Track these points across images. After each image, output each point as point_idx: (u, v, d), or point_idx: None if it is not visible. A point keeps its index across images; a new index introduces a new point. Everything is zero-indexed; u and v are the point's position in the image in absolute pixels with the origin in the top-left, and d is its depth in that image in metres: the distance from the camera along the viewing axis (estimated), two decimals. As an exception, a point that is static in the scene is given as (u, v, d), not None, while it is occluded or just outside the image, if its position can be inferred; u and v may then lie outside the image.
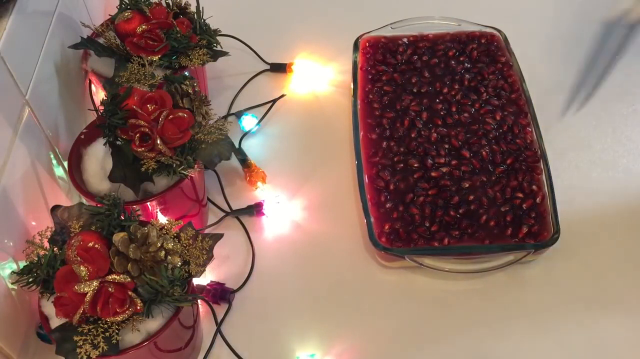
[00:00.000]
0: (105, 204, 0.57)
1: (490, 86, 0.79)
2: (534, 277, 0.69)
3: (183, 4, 0.76)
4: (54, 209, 0.59)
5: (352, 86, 0.80)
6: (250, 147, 0.81)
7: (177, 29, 0.73)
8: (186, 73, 0.72)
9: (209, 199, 0.76)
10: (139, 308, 0.53)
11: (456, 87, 0.79)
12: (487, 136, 0.74)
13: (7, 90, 0.60)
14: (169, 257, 0.55)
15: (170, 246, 0.56)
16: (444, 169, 0.72)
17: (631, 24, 0.58)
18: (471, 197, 0.69)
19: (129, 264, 0.53)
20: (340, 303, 0.68)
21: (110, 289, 0.53)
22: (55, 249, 0.56)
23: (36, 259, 0.55)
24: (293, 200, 0.76)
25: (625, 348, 0.64)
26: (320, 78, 0.88)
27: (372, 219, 0.68)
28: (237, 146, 0.80)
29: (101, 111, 0.64)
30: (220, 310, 0.67)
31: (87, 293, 0.52)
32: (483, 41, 0.84)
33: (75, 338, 0.52)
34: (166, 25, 0.73)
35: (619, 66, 0.87)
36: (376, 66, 0.82)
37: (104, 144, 0.66)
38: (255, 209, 0.74)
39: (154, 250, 0.54)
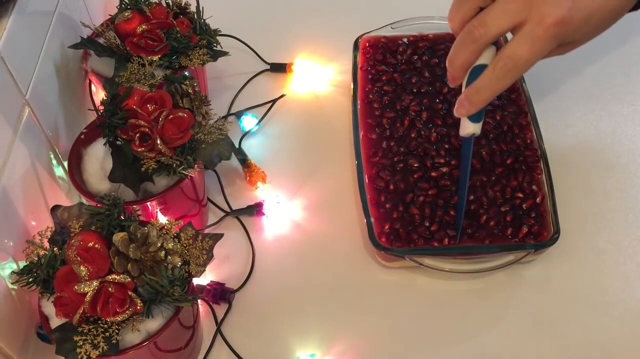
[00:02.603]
0: (105, 204, 0.57)
1: (490, 86, 0.78)
2: (534, 277, 0.69)
3: (183, 4, 0.76)
4: (54, 209, 0.59)
5: (352, 86, 0.80)
6: (250, 147, 0.81)
7: (177, 29, 0.73)
8: (186, 73, 0.72)
9: (209, 199, 0.76)
10: (139, 308, 0.53)
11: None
12: (487, 136, 0.74)
13: (7, 90, 0.60)
14: (169, 257, 0.55)
15: (170, 246, 0.56)
16: (444, 169, 0.72)
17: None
18: (471, 197, 0.69)
19: (129, 264, 0.53)
20: (340, 303, 0.68)
21: (110, 289, 0.53)
22: (55, 249, 0.56)
23: (36, 259, 0.55)
24: (293, 200, 0.76)
25: (625, 347, 0.64)
26: (320, 78, 0.88)
27: (372, 219, 0.68)
28: (237, 146, 0.80)
29: (101, 111, 0.64)
30: (220, 310, 0.68)
31: (87, 293, 0.52)
32: (483, 41, 0.83)
33: (75, 338, 0.52)
34: (166, 25, 0.73)
35: (619, 66, 0.87)
36: (376, 66, 0.82)
37: (104, 144, 0.66)
38: (255, 209, 0.74)
39: (154, 250, 0.54)
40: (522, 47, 0.53)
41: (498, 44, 0.56)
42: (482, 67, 0.56)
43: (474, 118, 0.59)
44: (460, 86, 0.59)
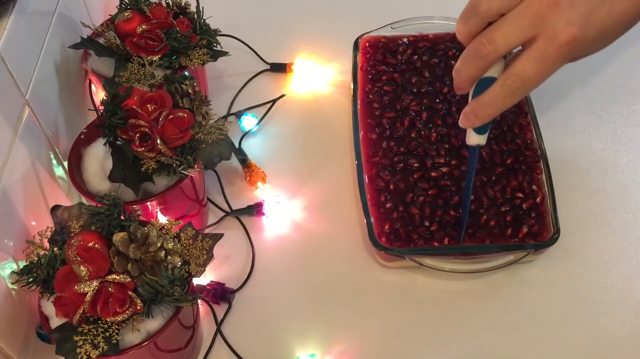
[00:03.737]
0: (105, 204, 0.57)
1: (490, 86, 0.78)
2: (534, 277, 0.69)
3: (183, 4, 0.76)
4: (54, 209, 0.59)
5: (352, 86, 0.80)
6: (250, 147, 0.81)
7: (177, 29, 0.73)
8: (186, 73, 0.72)
9: (209, 199, 0.76)
10: (139, 308, 0.53)
11: (456, 87, 0.79)
12: (487, 136, 0.74)
13: (7, 90, 0.60)
14: (169, 257, 0.55)
15: (170, 246, 0.56)
16: (444, 169, 0.72)
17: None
18: (471, 197, 0.69)
19: (129, 264, 0.53)
20: (340, 303, 0.68)
21: (110, 289, 0.53)
22: (55, 249, 0.56)
23: (36, 259, 0.55)
24: (293, 200, 0.76)
25: (625, 347, 0.64)
26: (320, 78, 0.88)
27: (372, 219, 0.68)
28: (237, 146, 0.80)
29: (101, 111, 0.64)
30: (220, 310, 0.68)
31: (87, 293, 0.52)
32: (483, 41, 0.83)
33: (75, 338, 0.52)
34: (166, 25, 0.73)
35: (619, 66, 0.87)
36: (376, 66, 0.82)
37: (104, 144, 0.66)
38: (255, 209, 0.74)
39: (154, 250, 0.54)
40: (532, 66, 0.51)
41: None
42: (490, 80, 0.54)
43: (479, 130, 0.58)
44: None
